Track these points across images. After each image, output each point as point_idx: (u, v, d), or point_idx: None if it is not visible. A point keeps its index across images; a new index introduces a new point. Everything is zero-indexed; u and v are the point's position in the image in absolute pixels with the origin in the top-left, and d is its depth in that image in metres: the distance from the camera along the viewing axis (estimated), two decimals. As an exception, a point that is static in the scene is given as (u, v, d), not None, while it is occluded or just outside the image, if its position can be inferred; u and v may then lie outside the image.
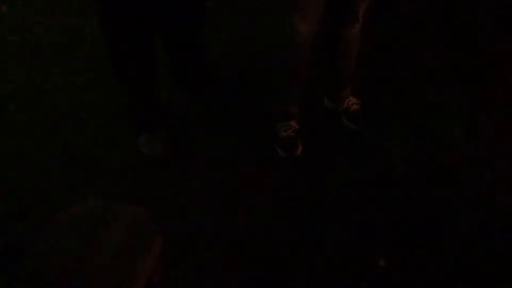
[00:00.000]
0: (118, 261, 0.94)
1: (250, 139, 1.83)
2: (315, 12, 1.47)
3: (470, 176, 1.70)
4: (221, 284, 1.44)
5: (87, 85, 2.08)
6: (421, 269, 1.46)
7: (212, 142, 1.83)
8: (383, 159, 1.76)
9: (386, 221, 1.58)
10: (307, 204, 1.64)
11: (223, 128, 1.88)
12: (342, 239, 1.54)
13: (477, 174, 1.70)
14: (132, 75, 1.62)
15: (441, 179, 1.70)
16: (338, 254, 1.50)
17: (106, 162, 1.77)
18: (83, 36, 2.31)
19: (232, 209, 1.63)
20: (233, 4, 2.43)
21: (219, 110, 1.93)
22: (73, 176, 1.73)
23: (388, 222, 1.58)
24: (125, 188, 1.68)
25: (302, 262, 1.49)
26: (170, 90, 1.93)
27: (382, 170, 1.72)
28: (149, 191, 1.67)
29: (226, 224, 1.59)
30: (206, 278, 1.44)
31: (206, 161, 1.77)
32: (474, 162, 1.74)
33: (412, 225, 1.57)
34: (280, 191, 1.68)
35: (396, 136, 1.82)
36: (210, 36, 1.87)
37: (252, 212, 1.62)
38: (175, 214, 1.59)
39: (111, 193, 1.67)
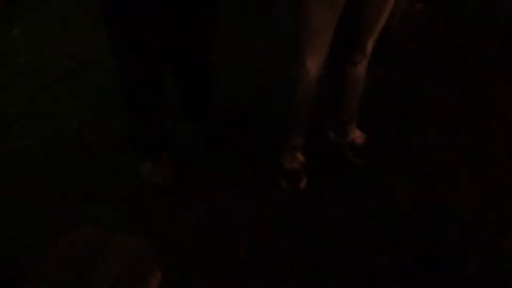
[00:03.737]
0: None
1: (253, 171, 1.81)
2: (323, 50, 1.47)
3: (475, 217, 1.67)
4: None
5: (91, 111, 2.09)
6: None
7: (215, 173, 1.82)
8: (386, 196, 1.73)
9: (388, 261, 1.54)
10: (308, 240, 1.61)
11: (226, 158, 1.86)
12: (344, 278, 1.50)
13: (482, 215, 1.68)
14: (141, 99, 1.62)
15: (445, 219, 1.67)
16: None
17: (106, 188, 1.75)
18: (91, 63, 2.34)
19: (232, 242, 1.59)
20: (240, 37, 2.47)
21: (224, 141, 1.92)
22: (72, 201, 1.71)
23: (391, 262, 1.54)
24: (123, 215, 1.66)
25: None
26: (176, 120, 1.93)
27: (386, 209, 1.70)
28: (147, 220, 1.65)
29: (225, 258, 1.55)
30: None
31: (207, 191, 1.75)
32: (479, 203, 1.72)
33: (414, 266, 1.53)
34: (281, 225, 1.65)
35: (401, 175, 1.80)
36: (217, 66, 1.89)
37: (252, 246, 1.58)
38: (172, 246, 1.56)
39: (109, 219, 1.64)
